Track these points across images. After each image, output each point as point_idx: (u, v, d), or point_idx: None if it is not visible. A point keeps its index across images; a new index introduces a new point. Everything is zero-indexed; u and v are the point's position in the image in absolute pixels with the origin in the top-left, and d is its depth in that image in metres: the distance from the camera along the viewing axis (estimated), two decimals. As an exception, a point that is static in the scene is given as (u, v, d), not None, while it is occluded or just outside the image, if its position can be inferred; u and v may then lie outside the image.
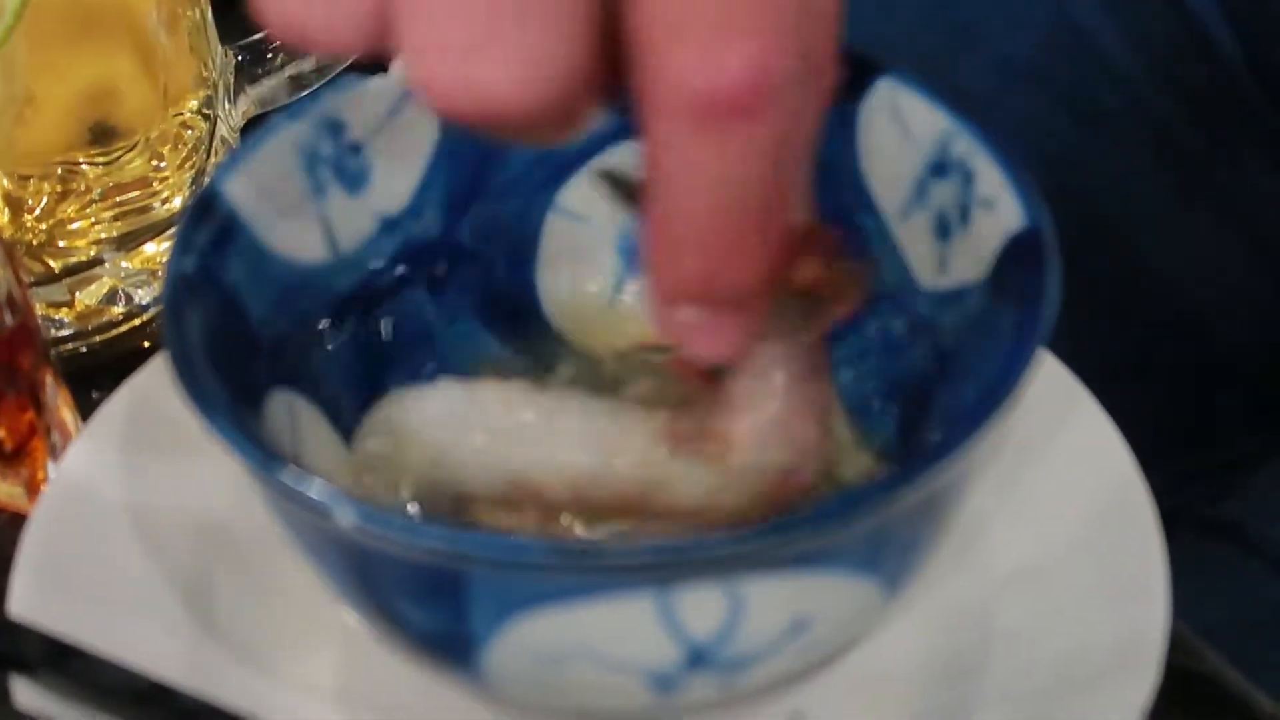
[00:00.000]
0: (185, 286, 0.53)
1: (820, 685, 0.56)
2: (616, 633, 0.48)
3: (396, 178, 0.60)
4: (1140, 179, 0.86)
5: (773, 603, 0.48)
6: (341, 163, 0.58)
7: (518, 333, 0.63)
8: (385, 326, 0.60)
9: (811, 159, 0.46)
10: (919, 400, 0.57)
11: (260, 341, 0.55)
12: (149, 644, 0.56)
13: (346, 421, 0.58)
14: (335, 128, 0.58)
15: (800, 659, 0.52)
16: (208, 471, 0.57)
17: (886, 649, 0.57)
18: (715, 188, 0.43)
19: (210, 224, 0.54)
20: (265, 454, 0.48)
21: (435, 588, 0.48)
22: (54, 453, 0.63)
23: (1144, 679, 0.53)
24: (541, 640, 0.48)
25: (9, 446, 0.63)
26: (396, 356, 0.60)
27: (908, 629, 0.57)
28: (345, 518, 0.46)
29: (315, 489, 0.47)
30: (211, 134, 0.73)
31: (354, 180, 0.59)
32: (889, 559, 0.50)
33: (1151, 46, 0.87)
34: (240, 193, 0.55)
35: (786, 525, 0.45)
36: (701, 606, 0.47)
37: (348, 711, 0.56)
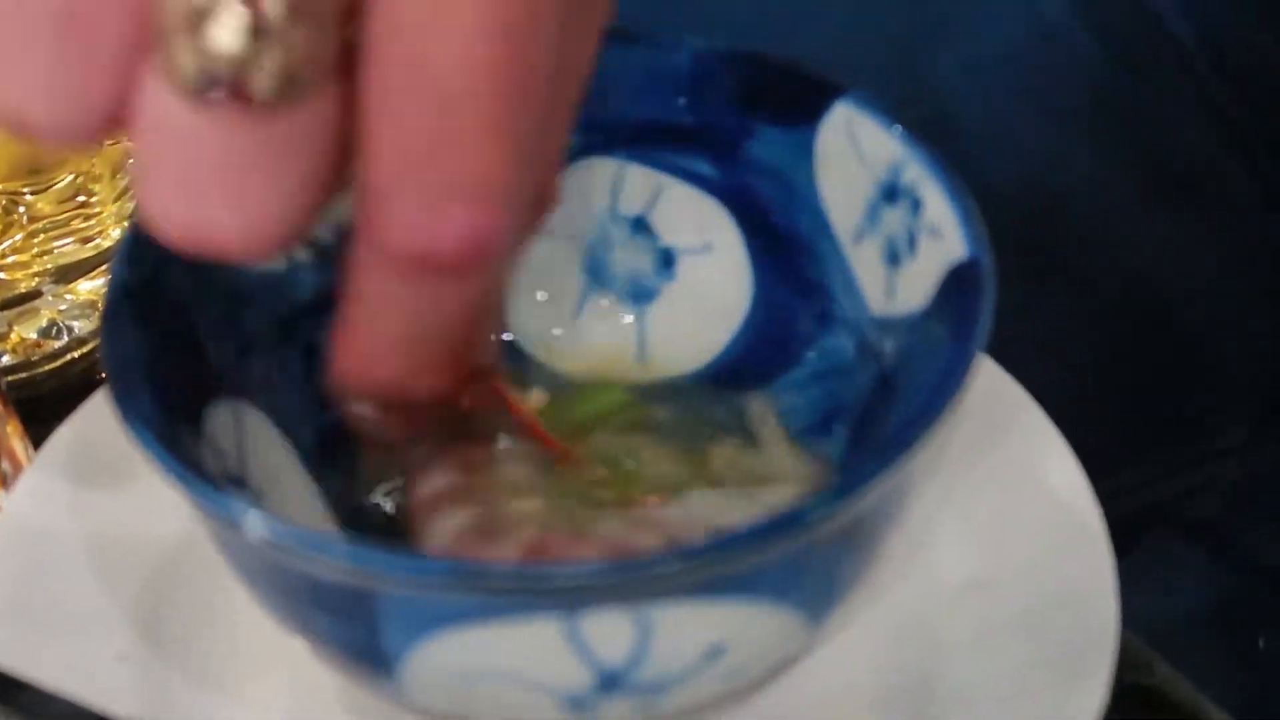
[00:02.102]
0: (126, 295, 0.53)
1: (770, 704, 0.56)
2: (525, 655, 0.48)
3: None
4: (1108, 173, 0.86)
5: (684, 629, 0.48)
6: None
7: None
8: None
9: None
10: (864, 424, 0.57)
11: (208, 351, 0.56)
12: (102, 674, 0.56)
13: (300, 430, 0.58)
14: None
15: (723, 684, 0.51)
16: (158, 500, 0.57)
17: (836, 664, 0.57)
18: (408, 321, 0.44)
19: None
20: (181, 466, 0.48)
21: (348, 605, 0.48)
22: (4, 481, 0.63)
23: (1093, 690, 0.53)
24: (453, 659, 0.48)
25: (-43, 476, 0.63)
26: None
27: (855, 644, 0.57)
28: (254, 530, 0.46)
29: (226, 502, 0.47)
30: (155, 163, 0.72)
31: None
32: (809, 587, 0.50)
33: (1118, 43, 0.87)
34: (191, 201, 0.56)
35: (688, 553, 0.45)
36: (609, 632, 0.47)
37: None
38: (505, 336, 0.63)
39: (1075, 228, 0.83)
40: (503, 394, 0.58)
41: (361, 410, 0.50)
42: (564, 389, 0.62)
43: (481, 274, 0.42)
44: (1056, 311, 0.78)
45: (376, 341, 0.45)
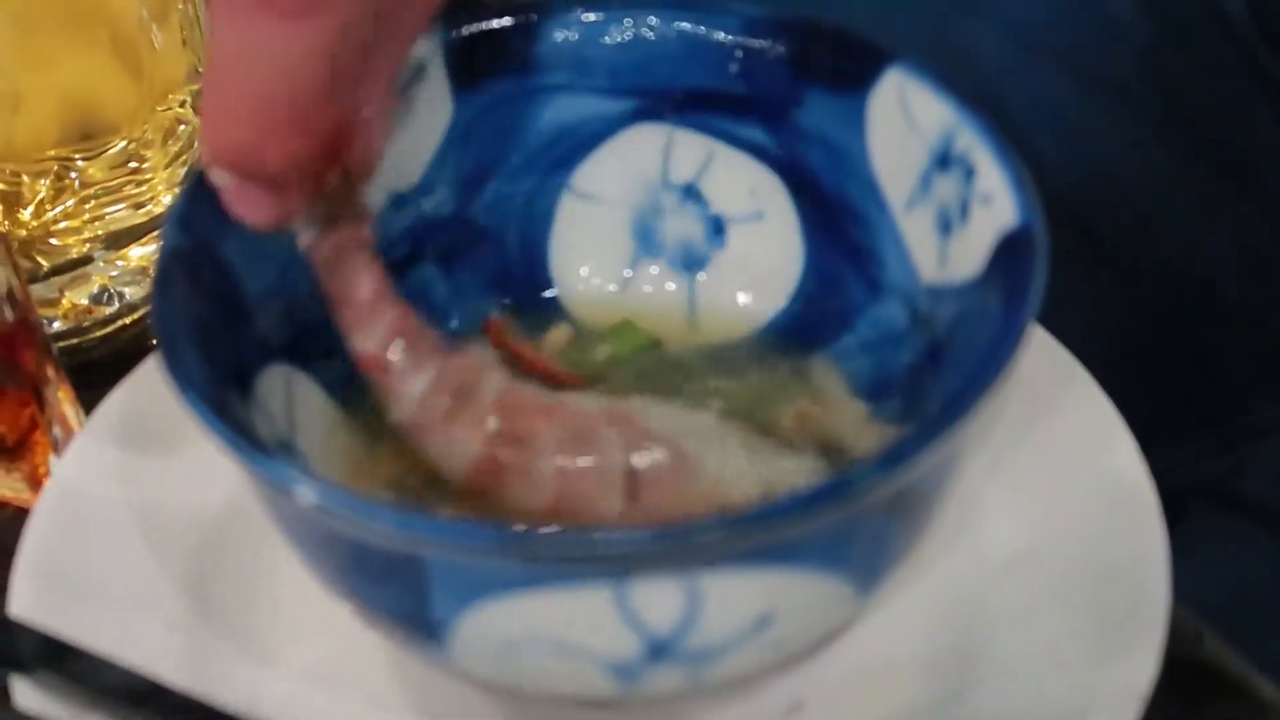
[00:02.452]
0: (178, 261, 0.53)
1: (818, 673, 0.56)
2: (574, 622, 0.48)
3: (408, 155, 0.60)
4: (1152, 145, 0.85)
5: (733, 597, 0.48)
6: (351, 138, 0.58)
7: (527, 309, 0.63)
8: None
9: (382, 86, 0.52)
10: (917, 391, 0.57)
11: (257, 316, 0.56)
12: (149, 640, 0.56)
13: (348, 395, 0.58)
14: (345, 103, 0.58)
15: (770, 653, 0.51)
16: (207, 466, 0.57)
17: (883, 635, 0.57)
18: (262, 71, 0.47)
19: (210, 198, 0.55)
20: (235, 432, 0.48)
21: (398, 572, 0.48)
22: (56, 447, 0.64)
23: (1143, 664, 0.53)
24: (502, 627, 0.48)
25: (10, 441, 0.63)
26: None
27: (904, 614, 0.57)
28: (304, 496, 0.46)
29: (276, 468, 0.47)
30: (205, 130, 0.72)
31: (364, 156, 0.59)
32: (858, 556, 0.50)
33: (1163, 10, 0.86)
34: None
35: (737, 519, 0.45)
36: (658, 599, 0.47)
37: (346, 701, 0.56)
38: (550, 294, 0.63)
39: (1115, 199, 0.82)
40: (507, 341, 0.60)
41: (223, 181, 0.51)
42: (590, 332, 0.62)
43: (326, 20, 0.46)
44: (1098, 284, 0.78)
45: (230, 101, 0.48)
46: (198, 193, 0.54)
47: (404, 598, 0.49)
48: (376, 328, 0.55)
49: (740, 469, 0.54)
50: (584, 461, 0.53)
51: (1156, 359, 0.79)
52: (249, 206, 0.52)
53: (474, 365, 0.56)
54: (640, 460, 0.53)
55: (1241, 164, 0.85)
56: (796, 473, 0.54)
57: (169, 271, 0.53)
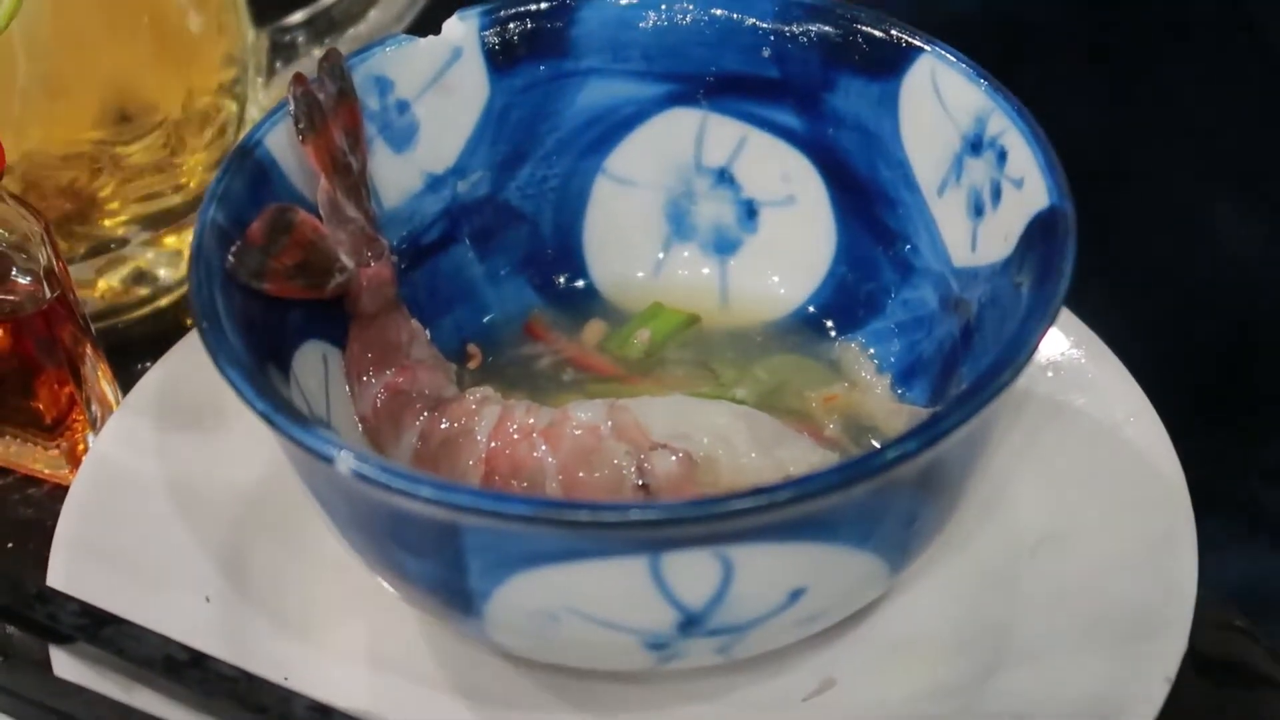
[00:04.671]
0: (215, 236, 0.53)
1: (848, 650, 0.56)
2: (609, 595, 0.48)
3: (444, 136, 0.60)
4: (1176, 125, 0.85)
5: (765, 571, 0.48)
6: (387, 120, 0.59)
7: (559, 290, 0.63)
8: (426, 281, 0.61)
9: None
10: (947, 374, 0.57)
11: (295, 293, 0.56)
12: (185, 613, 0.57)
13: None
14: (382, 85, 0.59)
15: (801, 627, 0.52)
16: (243, 443, 0.58)
17: (913, 613, 0.57)
18: None
19: (246, 174, 0.55)
20: (271, 403, 0.48)
21: (435, 543, 0.49)
22: (94, 425, 0.64)
23: (1172, 645, 0.53)
24: (538, 598, 0.49)
25: (49, 419, 0.64)
26: (436, 309, 0.61)
27: (934, 592, 0.57)
28: (344, 465, 0.47)
29: (317, 437, 0.48)
30: (241, 114, 0.73)
31: (400, 137, 0.59)
32: (889, 533, 0.50)
33: None
34: (280, 144, 0.56)
35: (769, 493, 0.45)
36: (692, 572, 0.47)
37: (381, 676, 0.57)
38: (584, 277, 0.64)
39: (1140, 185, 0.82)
40: (547, 338, 0.61)
41: None
42: (623, 320, 0.63)
43: None
44: (1127, 269, 0.78)
45: None
46: (234, 170, 0.55)
47: (441, 569, 0.49)
48: (369, 391, 0.57)
49: (757, 464, 0.54)
50: (592, 479, 0.54)
51: (1189, 345, 0.79)
52: None
53: (463, 409, 0.56)
54: (649, 472, 0.54)
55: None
56: (814, 463, 0.55)
57: (206, 247, 0.53)
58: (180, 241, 0.72)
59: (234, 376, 0.49)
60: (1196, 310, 0.81)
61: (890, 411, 0.58)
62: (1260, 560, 0.75)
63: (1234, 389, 0.80)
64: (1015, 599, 0.56)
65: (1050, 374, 0.60)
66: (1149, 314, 0.76)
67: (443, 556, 0.49)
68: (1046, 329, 0.49)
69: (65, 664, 0.54)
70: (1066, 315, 0.60)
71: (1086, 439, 0.59)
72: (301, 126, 0.56)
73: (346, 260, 0.56)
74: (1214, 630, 0.59)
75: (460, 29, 0.60)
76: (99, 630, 0.54)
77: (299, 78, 0.57)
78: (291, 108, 0.56)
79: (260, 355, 0.52)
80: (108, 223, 0.71)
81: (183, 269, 0.72)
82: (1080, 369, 0.60)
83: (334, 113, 0.57)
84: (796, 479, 0.46)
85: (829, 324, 0.62)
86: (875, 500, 0.48)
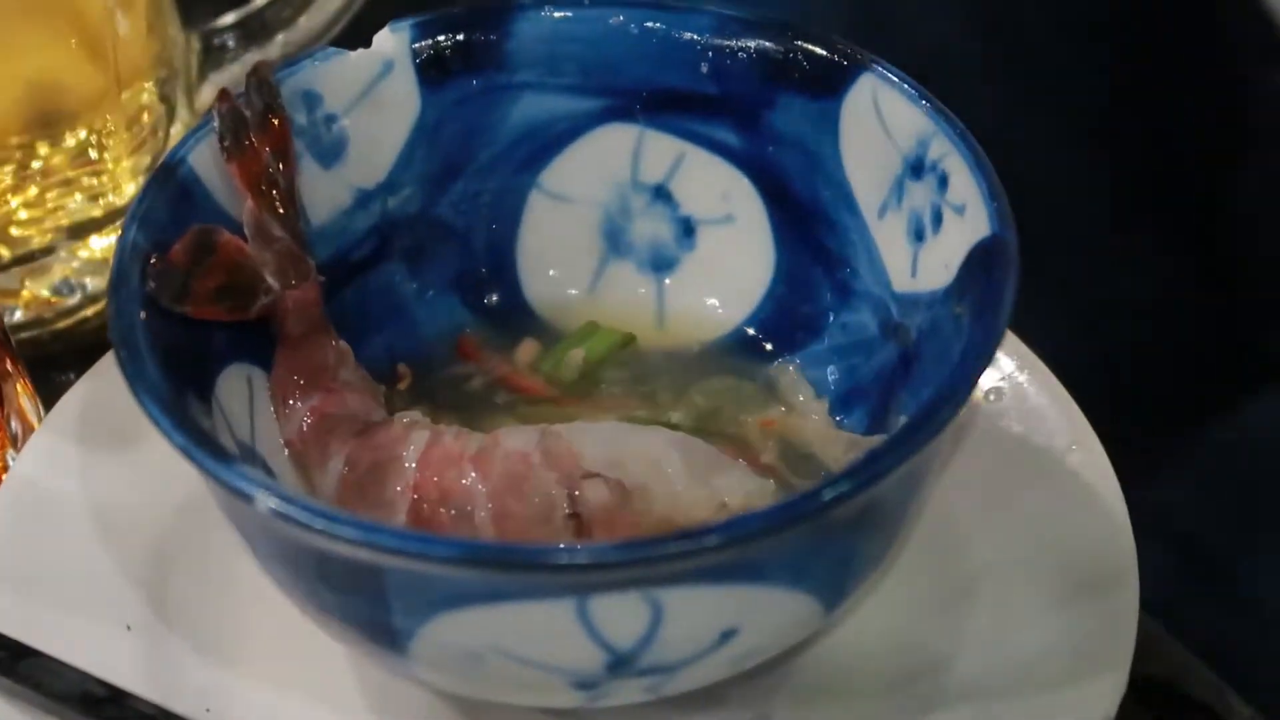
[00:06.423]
0: (136, 260, 0.52)
1: (784, 685, 0.55)
2: (536, 636, 0.47)
3: (374, 151, 0.59)
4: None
5: (696, 613, 0.47)
6: (316, 134, 0.58)
7: (493, 308, 0.62)
8: (356, 299, 0.60)
9: None
10: (885, 400, 0.56)
11: (217, 315, 0.55)
12: (107, 641, 0.55)
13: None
14: (311, 99, 0.57)
15: (734, 666, 0.51)
16: (167, 463, 0.56)
17: (852, 646, 0.56)
18: None
19: (170, 193, 0.54)
20: (188, 437, 0.47)
21: (359, 581, 0.47)
22: (14, 442, 0.63)
23: (1112, 685, 0.52)
24: (464, 637, 0.48)
25: (-34, 436, 0.62)
26: (365, 327, 0.59)
27: (874, 627, 0.56)
28: (264, 503, 0.46)
29: (235, 474, 0.46)
30: (170, 118, 0.72)
31: (329, 153, 0.58)
32: (824, 572, 0.49)
33: None
34: (204, 162, 0.55)
35: (697, 539, 0.44)
36: (620, 614, 0.46)
37: (306, 708, 0.55)
38: (517, 295, 0.62)
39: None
40: (479, 358, 0.60)
41: None
42: (556, 339, 0.62)
43: None
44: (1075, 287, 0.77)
45: None
46: (156, 190, 0.54)
47: (364, 607, 0.48)
48: (295, 415, 0.55)
49: (691, 493, 0.53)
50: (523, 508, 0.52)
51: (1144, 363, 0.79)
52: None
53: (391, 434, 0.55)
54: (581, 501, 0.52)
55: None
56: (749, 491, 0.53)
57: (126, 271, 0.52)
58: (106, 250, 0.71)
59: (152, 408, 0.48)
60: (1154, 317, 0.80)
61: (828, 439, 0.57)
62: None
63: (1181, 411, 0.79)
64: (956, 634, 0.56)
65: (991, 398, 0.59)
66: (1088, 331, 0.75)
67: (366, 595, 0.48)
68: (985, 365, 0.48)
69: (-17, 698, 0.53)
70: (1009, 339, 0.59)
71: (1029, 468, 0.58)
72: (227, 145, 0.55)
73: (272, 281, 0.55)
74: (1156, 660, 0.59)
75: (391, 41, 0.58)
76: (15, 664, 0.53)
77: (224, 94, 0.55)
78: (216, 125, 0.55)
79: (180, 382, 0.51)
80: (32, 230, 0.69)
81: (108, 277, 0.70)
82: (1021, 394, 0.59)
83: (260, 130, 0.55)
84: (726, 522, 0.45)
85: (767, 346, 0.60)
86: (809, 541, 0.47)
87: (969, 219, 0.52)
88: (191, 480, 0.54)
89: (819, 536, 0.47)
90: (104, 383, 0.60)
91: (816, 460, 0.57)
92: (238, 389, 0.55)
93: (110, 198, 0.70)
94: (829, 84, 0.57)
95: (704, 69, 0.59)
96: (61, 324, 0.71)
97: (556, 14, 0.59)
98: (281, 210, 0.55)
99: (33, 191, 0.68)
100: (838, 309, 0.59)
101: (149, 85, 0.70)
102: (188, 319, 0.53)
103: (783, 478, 0.56)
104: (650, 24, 0.58)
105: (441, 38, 0.59)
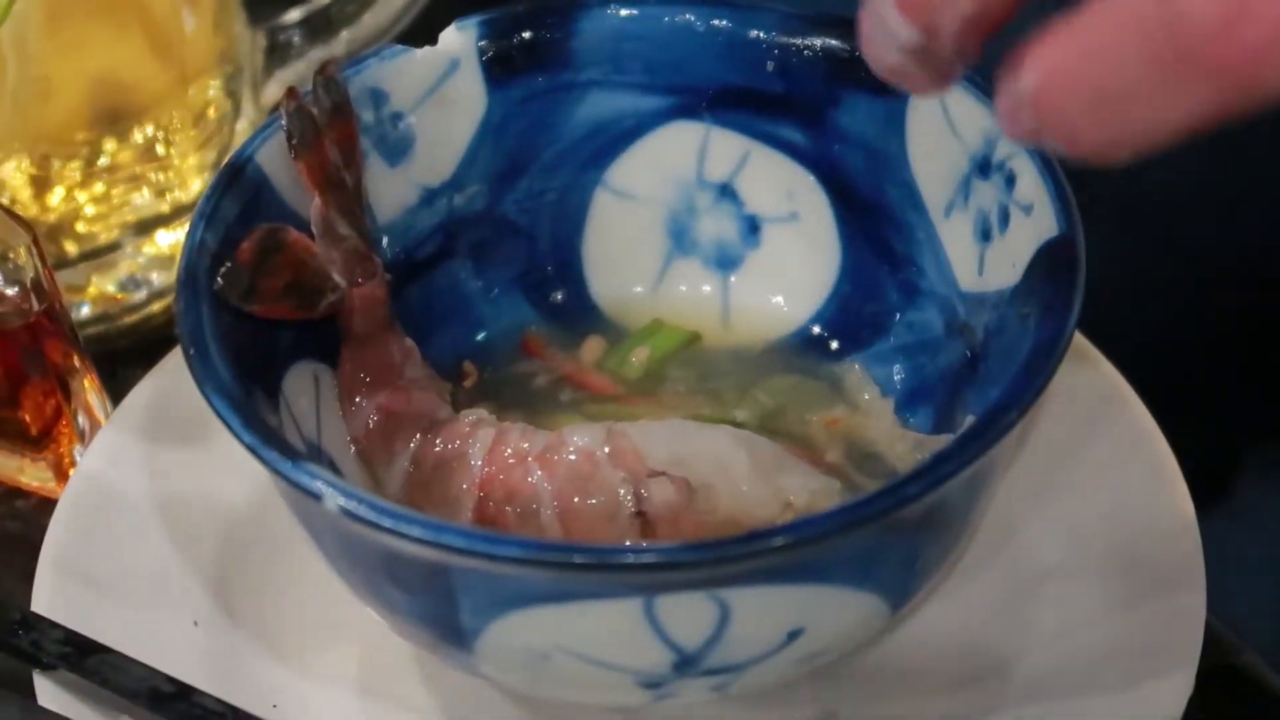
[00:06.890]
0: (203, 257, 0.52)
1: (850, 683, 0.55)
2: (602, 635, 0.47)
3: (440, 149, 0.59)
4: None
5: (762, 613, 0.47)
6: (382, 132, 0.58)
7: (558, 306, 0.62)
8: (421, 296, 0.60)
9: None
10: (951, 400, 0.56)
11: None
12: (173, 637, 0.56)
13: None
14: (377, 97, 0.58)
15: (800, 666, 0.51)
16: (234, 459, 0.57)
17: (918, 645, 0.56)
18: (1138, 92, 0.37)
19: (238, 193, 0.54)
20: (257, 436, 0.47)
21: (426, 580, 0.47)
22: (82, 437, 0.63)
23: (1179, 686, 0.52)
24: (531, 637, 0.48)
25: (35, 431, 0.62)
26: (431, 325, 0.60)
27: (939, 626, 0.56)
28: (332, 503, 0.46)
29: (303, 474, 0.47)
30: (235, 114, 0.72)
31: (395, 150, 0.58)
32: (890, 572, 0.49)
33: None
34: (272, 160, 0.55)
35: (766, 538, 0.44)
36: (687, 614, 0.46)
37: (369, 703, 0.56)
38: (583, 293, 0.62)
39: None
40: (545, 356, 0.60)
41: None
42: (621, 337, 0.62)
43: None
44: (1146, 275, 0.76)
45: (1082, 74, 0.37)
46: (224, 189, 0.54)
47: (431, 605, 0.48)
48: (361, 413, 0.56)
49: (756, 492, 0.53)
50: (588, 506, 0.53)
51: (1210, 357, 0.78)
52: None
53: (457, 432, 0.55)
54: (646, 500, 0.52)
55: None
56: (814, 490, 0.53)
57: (194, 270, 0.52)
58: (173, 246, 0.71)
59: (221, 407, 0.48)
60: (1215, 312, 0.79)
61: (893, 438, 0.57)
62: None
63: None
64: (1022, 633, 0.55)
65: (1057, 402, 0.59)
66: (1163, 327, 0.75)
67: (433, 593, 0.48)
68: (1054, 366, 0.48)
69: (49, 693, 0.53)
70: (1077, 340, 0.58)
71: (1095, 471, 0.58)
72: (294, 143, 0.55)
73: (338, 279, 0.55)
74: (1224, 654, 0.58)
75: (458, 39, 0.58)
76: (83, 659, 0.53)
77: (292, 92, 0.55)
78: (284, 123, 0.55)
79: (248, 380, 0.51)
80: (99, 226, 0.69)
81: (174, 273, 0.70)
82: (1089, 397, 0.59)
83: (328, 128, 0.55)
84: (794, 523, 0.45)
85: (832, 344, 0.60)
86: (875, 542, 0.47)
87: (1036, 218, 0.52)
88: (258, 477, 0.54)
89: (886, 537, 0.47)
90: (170, 378, 0.61)
91: (881, 460, 0.57)
92: (304, 387, 0.55)
93: (176, 193, 0.70)
94: (897, 84, 0.56)
95: (769, 67, 0.58)
96: (128, 320, 0.71)
97: (622, 12, 0.59)
98: (349, 209, 0.55)
99: (99, 188, 0.69)
100: (903, 308, 0.59)
101: (215, 81, 0.70)
102: (255, 318, 0.53)
103: (848, 477, 0.56)
104: (716, 22, 0.58)
105: (508, 36, 0.59)
